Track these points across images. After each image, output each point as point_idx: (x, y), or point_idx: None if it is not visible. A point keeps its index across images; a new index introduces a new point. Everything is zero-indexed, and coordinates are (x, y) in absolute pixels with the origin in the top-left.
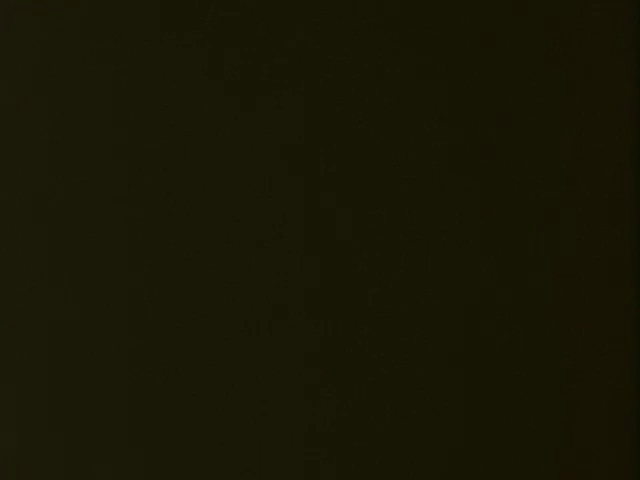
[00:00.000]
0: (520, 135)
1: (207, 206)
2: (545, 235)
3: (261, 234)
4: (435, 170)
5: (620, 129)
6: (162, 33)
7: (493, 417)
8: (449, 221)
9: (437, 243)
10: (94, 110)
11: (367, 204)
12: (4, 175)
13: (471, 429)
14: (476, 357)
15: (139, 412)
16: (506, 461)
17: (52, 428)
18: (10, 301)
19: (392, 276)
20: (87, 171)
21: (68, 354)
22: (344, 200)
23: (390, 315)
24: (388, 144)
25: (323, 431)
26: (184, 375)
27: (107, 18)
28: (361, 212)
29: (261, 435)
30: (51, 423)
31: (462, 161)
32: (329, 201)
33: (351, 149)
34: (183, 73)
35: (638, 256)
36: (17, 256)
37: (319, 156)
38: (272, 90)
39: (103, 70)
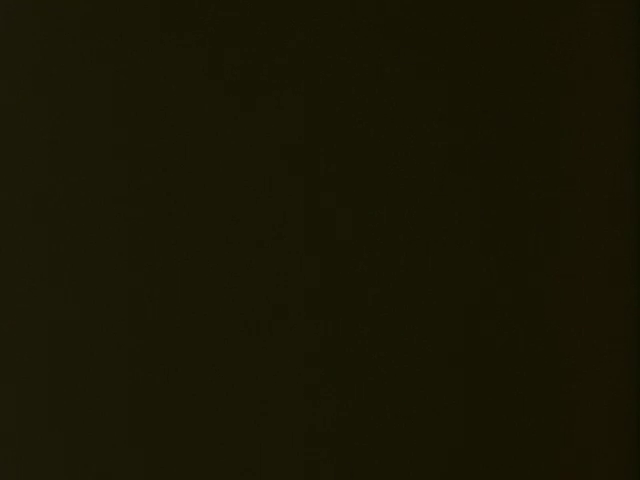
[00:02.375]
0: (520, 135)
1: (207, 206)
2: (545, 235)
3: (261, 234)
4: (435, 170)
5: (620, 129)
6: (162, 33)
7: (493, 417)
8: (449, 221)
9: (437, 243)
10: (94, 110)
11: (367, 204)
12: (4, 175)
13: (471, 429)
14: (476, 357)
15: (139, 412)
16: (506, 461)
17: (52, 428)
18: (10, 301)
19: (392, 276)
20: (87, 171)
21: (68, 354)
22: (344, 200)
23: (390, 315)
24: (388, 144)
25: (323, 431)
26: (184, 375)
27: (107, 18)
28: (361, 212)
29: (261, 435)
30: (51, 423)
31: (462, 161)
32: (329, 201)
33: (351, 149)
34: (183, 73)
35: (638, 256)
36: (17, 256)
37: (319, 156)
38: (272, 90)
39: (103, 70)
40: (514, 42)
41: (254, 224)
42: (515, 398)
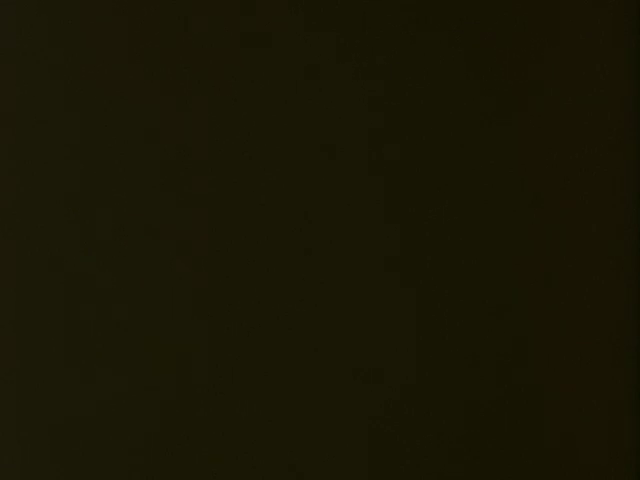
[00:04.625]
0: (519, 134)
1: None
2: (545, 235)
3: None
4: (434, 169)
5: (620, 129)
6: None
7: (493, 419)
8: (449, 220)
9: (436, 242)
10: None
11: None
12: (31, 174)
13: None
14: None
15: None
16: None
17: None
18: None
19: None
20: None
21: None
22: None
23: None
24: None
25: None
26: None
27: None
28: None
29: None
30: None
31: (461, 160)
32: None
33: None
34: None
35: (638, 256)
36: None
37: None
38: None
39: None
40: (515, 42)
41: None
42: (514, 399)
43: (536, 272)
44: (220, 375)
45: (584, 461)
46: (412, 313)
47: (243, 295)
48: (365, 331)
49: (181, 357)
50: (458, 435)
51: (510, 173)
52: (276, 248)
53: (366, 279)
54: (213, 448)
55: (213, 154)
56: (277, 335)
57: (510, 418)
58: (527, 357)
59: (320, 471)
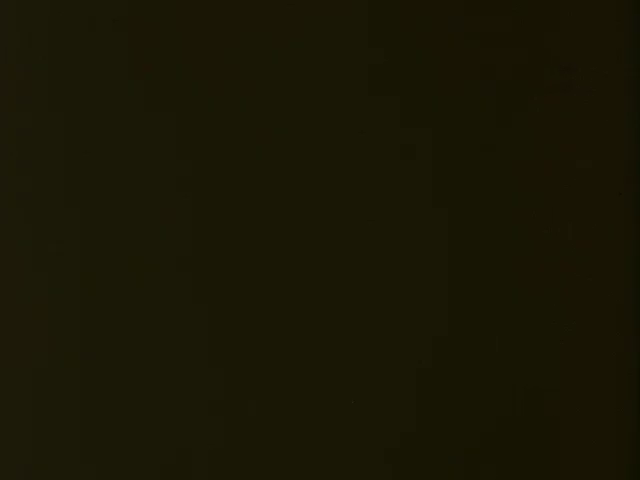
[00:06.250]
0: (519, 134)
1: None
2: (545, 235)
3: None
4: (434, 167)
5: (620, 129)
6: None
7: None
8: (449, 220)
9: (432, 240)
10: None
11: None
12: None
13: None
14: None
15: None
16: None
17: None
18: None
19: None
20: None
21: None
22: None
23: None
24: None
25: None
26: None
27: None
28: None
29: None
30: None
31: (460, 157)
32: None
33: None
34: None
35: (638, 256)
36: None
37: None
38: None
39: None
40: (513, 40)
41: None
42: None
43: (536, 272)
44: (220, 376)
45: (584, 461)
46: (413, 314)
47: (243, 295)
48: (366, 331)
49: (180, 357)
50: (455, 434)
51: (509, 172)
52: (276, 247)
53: (366, 279)
54: (214, 448)
55: (212, 154)
56: (277, 334)
57: (510, 417)
58: (527, 357)
59: (321, 472)
